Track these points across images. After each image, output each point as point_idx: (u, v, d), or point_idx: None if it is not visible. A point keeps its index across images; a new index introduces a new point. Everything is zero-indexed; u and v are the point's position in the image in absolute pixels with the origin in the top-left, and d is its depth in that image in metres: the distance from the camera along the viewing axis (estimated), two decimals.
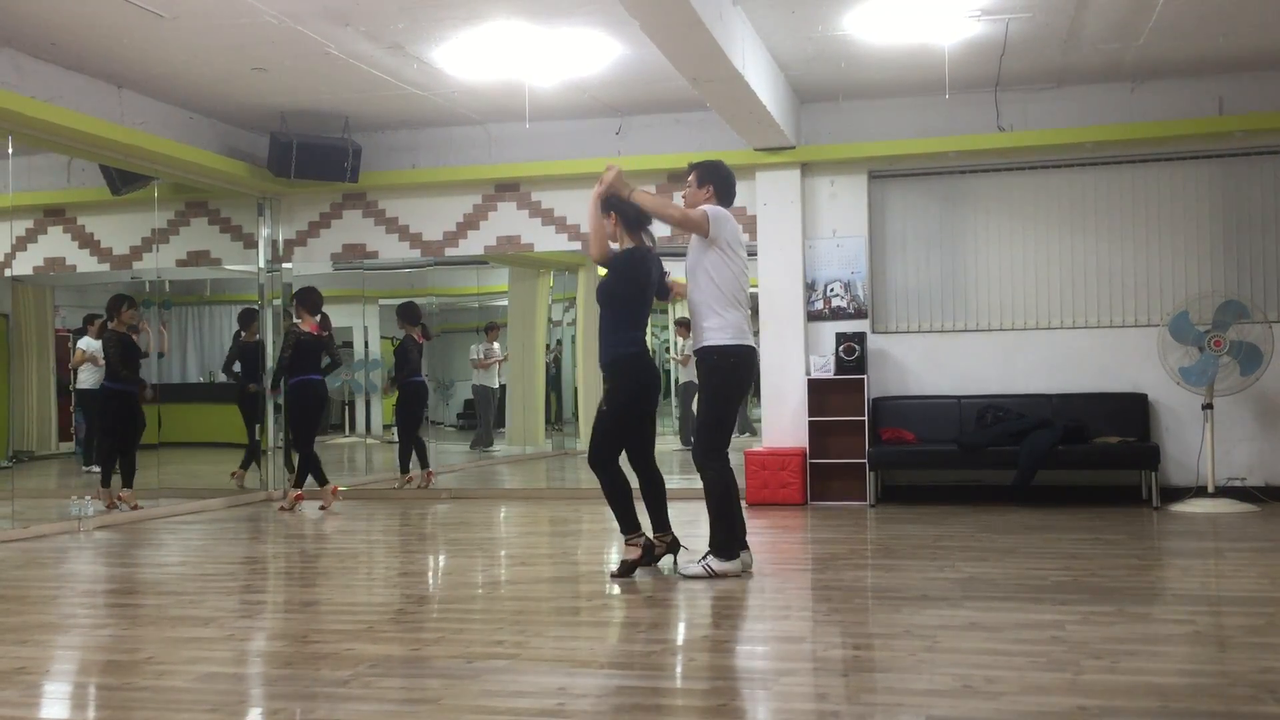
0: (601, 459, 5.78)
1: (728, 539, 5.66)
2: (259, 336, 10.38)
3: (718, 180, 5.86)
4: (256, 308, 10.47)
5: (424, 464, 10.35)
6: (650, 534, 5.86)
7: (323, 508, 8.96)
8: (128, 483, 8.92)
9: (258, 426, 10.42)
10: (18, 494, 8.72)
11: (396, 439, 10.64)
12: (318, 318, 9.15)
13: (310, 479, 9.02)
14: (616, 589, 5.54)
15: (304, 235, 10.35)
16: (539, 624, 4.79)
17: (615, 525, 5.91)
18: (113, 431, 9.04)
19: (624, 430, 5.79)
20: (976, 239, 9.15)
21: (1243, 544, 6.71)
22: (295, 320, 9.11)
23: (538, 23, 7.14)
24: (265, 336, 10.42)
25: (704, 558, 5.69)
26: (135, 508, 8.75)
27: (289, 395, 9.24)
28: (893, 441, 8.73)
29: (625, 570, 5.72)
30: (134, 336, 9.11)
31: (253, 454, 10.36)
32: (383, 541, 7.69)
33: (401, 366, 10.42)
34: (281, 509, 9.06)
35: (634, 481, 5.90)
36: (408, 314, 10.53)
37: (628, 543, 5.80)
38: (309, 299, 9.14)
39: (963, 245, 9.17)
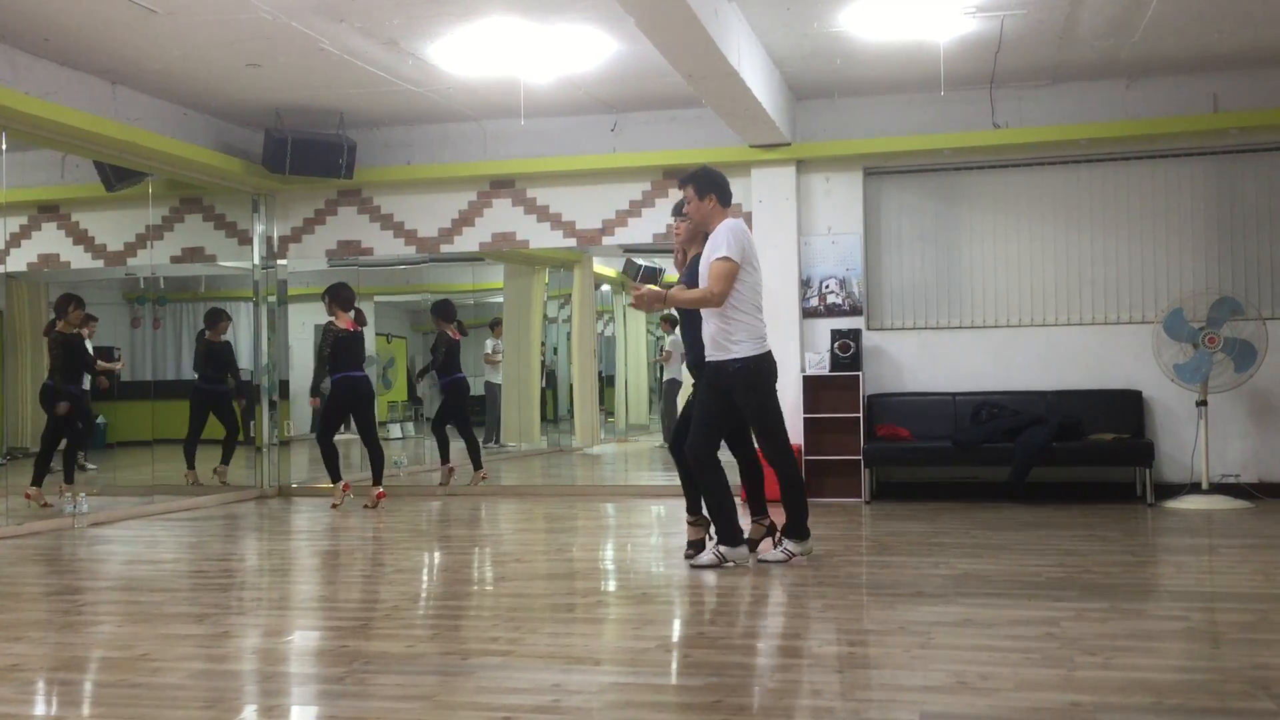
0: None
1: (733, 527, 5.83)
2: (225, 337, 10.39)
3: (717, 188, 5.88)
4: (223, 308, 10.49)
5: (475, 464, 10.13)
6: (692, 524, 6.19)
7: (334, 505, 8.92)
8: (69, 479, 8.93)
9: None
10: (11, 490, 8.70)
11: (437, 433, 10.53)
12: (351, 313, 8.99)
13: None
14: (611, 585, 5.54)
15: (299, 231, 10.34)
16: (534, 621, 4.78)
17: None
18: (55, 432, 9.15)
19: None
20: (971, 236, 9.16)
21: (1237, 540, 6.73)
22: (330, 318, 8.93)
23: (533, 19, 7.14)
24: (261, 334, 10.41)
25: (714, 547, 5.87)
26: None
27: (332, 392, 8.96)
28: (888, 438, 8.74)
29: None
30: (84, 338, 9.10)
31: (230, 448, 10.36)
32: (377, 538, 7.68)
33: (442, 364, 10.35)
34: (334, 505, 8.93)
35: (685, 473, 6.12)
36: (442, 311, 10.38)
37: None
38: (340, 295, 8.93)
39: (958, 242, 9.17)
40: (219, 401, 10.38)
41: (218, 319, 10.41)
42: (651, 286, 5.84)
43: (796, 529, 5.95)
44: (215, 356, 10.37)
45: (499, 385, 13.14)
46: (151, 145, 8.61)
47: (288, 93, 8.83)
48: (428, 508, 9.02)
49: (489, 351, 13.02)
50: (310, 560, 6.90)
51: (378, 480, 8.92)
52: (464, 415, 10.30)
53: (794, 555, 5.91)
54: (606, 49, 7.79)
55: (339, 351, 8.81)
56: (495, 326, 13.08)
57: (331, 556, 6.95)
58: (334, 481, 8.93)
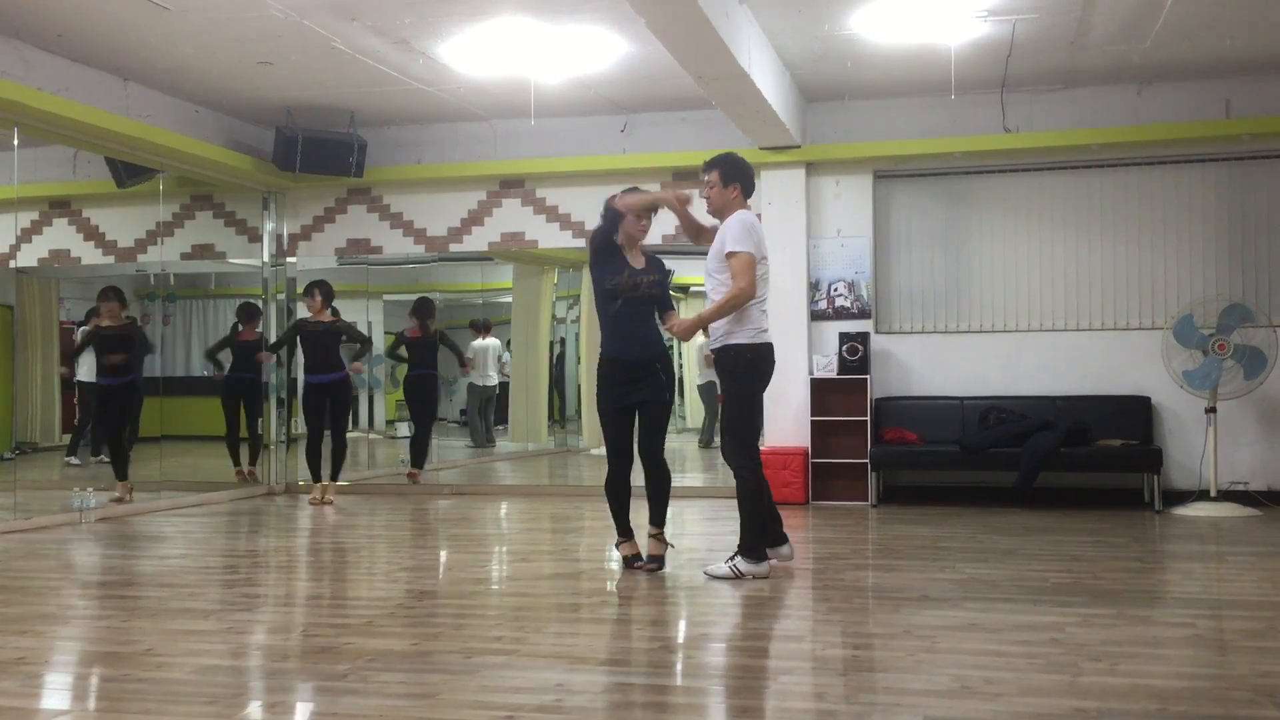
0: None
1: (757, 541, 5.62)
2: (259, 331, 10.38)
3: (743, 178, 5.78)
4: (258, 302, 10.49)
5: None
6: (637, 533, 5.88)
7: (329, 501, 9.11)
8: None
9: (260, 420, 10.43)
10: (20, 485, 8.74)
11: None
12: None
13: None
14: (616, 586, 5.54)
15: (309, 229, 10.35)
16: (538, 620, 4.79)
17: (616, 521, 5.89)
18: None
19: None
20: (981, 240, 9.14)
21: (1244, 548, 6.70)
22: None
23: (544, 19, 7.14)
24: (270, 331, 10.41)
25: (732, 558, 5.63)
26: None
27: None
28: (895, 442, 8.72)
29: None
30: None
31: (255, 446, 10.38)
32: (384, 536, 7.70)
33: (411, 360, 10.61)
34: (326, 503, 9.12)
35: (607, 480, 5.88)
36: (414, 309, 10.59)
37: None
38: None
39: (967, 246, 9.16)
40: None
41: (252, 317, 10.42)
42: (684, 318, 5.68)
43: (749, 545, 5.57)
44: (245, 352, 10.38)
45: (482, 387, 13.07)
46: (163, 142, 8.63)
47: (299, 91, 8.85)
48: (434, 506, 9.03)
49: (469, 355, 12.99)
50: (315, 557, 6.91)
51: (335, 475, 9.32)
52: (428, 412, 10.54)
53: (742, 575, 5.52)
54: (617, 50, 7.80)
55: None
56: (484, 330, 12.99)
57: (337, 554, 6.96)
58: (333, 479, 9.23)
